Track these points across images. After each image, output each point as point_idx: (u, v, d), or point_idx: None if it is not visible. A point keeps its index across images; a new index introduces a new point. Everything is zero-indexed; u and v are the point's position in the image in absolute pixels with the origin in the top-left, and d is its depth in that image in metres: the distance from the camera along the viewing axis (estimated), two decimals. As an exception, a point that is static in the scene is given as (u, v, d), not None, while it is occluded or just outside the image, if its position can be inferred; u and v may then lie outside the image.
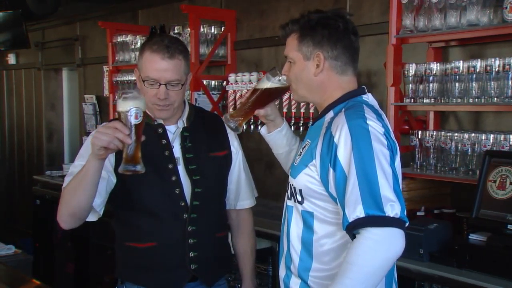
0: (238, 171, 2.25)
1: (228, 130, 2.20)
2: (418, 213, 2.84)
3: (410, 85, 2.88)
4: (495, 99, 2.57)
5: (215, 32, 4.33)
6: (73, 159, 2.07)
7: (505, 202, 2.41)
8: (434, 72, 2.79)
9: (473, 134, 2.70)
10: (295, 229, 1.83)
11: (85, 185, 1.83)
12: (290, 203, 1.87)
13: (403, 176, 2.42)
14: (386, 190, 1.59)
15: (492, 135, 2.64)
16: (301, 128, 3.50)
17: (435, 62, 2.84)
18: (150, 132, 2.08)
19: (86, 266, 4.95)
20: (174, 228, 2.08)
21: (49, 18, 5.93)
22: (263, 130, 2.13)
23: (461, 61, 2.71)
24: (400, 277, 1.93)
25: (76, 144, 6.56)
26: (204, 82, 4.23)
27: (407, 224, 1.62)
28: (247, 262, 2.31)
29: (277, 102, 2.30)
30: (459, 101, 2.71)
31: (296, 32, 1.84)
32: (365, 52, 3.44)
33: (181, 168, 2.09)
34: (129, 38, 4.84)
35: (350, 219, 1.59)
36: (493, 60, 2.58)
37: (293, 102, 3.46)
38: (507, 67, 2.52)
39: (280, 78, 1.96)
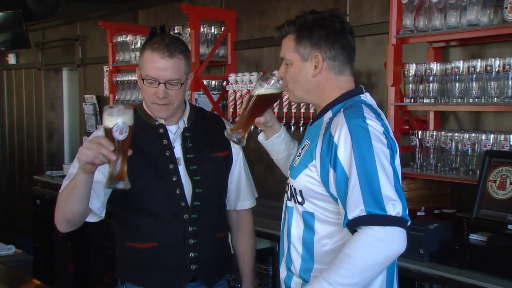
0: (239, 171, 2.25)
1: (228, 130, 2.19)
2: (418, 213, 2.84)
3: (410, 85, 2.87)
4: (495, 99, 2.57)
5: (215, 32, 4.33)
6: (73, 159, 2.06)
7: (505, 202, 2.41)
8: (434, 72, 2.79)
9: (473, 134, 2.70)
10: (296, 230, 1.83)
11: (76, 195, 1.85)
12: (290, 204, 1.86)
13: (403, 176, 2.42)
14: (387, 189, 1.59)
15: (492, 135, 2.64)
16: (301, 128, 3.50)
17: (435, 62, 2.84)
18: (151, 132, 2.09)
19: (86, 266, 4.95)
20: (175, 229, 2.07)
21: (49, 18, 5.93)
22: (260, 137, 2.10)
23: (461, 61, 2.70)
24: (400, 277, 1.93)
25: (76, 144, 6.55)
26: (204, 82, 4.23)
27: (409, 223, 1.62)
28: (247, 262, 2.31)
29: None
30: (459, 101, 2.71)
31: (292, 33, 1.82)
32: (365, 52, 3.44)
33: (181, 169, 2.09)
34: (129, 38, 4.84)
35: (351, 217, 1.59)
36: (493, 60, 2.58)
37: (293, 102, 3.46)
38: (507, 67, 2.52)
39: (272, 81, 1.93)
